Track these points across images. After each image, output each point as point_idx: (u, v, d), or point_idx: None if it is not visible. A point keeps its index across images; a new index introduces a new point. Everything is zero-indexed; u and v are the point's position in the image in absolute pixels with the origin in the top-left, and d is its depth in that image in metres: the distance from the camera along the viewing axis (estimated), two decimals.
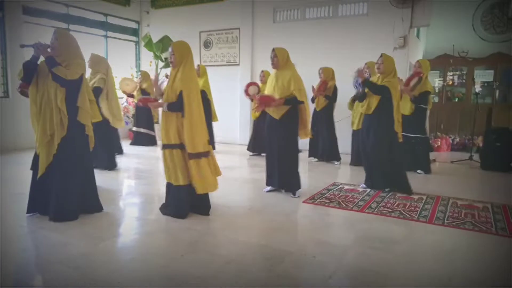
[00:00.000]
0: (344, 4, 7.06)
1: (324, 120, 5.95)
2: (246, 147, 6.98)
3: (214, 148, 6.68)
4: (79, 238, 2.75)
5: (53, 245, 2.63)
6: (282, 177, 4.00)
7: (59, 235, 2.81)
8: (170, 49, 3.20)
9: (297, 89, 3.79)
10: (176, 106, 3.13)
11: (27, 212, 3.15)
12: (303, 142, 6.48)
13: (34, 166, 3.10)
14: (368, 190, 4.27)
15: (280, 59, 3.88)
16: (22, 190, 3.86)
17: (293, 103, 3.84)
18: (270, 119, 4.00)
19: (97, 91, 4.76)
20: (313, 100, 6.00)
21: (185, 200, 3.23)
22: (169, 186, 3.29)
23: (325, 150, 6.03)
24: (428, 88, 5.19)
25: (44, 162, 2.98)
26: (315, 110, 6.05)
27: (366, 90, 4.15)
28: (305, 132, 4.06)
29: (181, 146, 3.17)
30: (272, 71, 4.08)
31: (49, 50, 2.95)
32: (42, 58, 2.97)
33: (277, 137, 3.93)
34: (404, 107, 5.21)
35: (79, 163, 3.12)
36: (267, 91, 4.01)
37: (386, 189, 4.20)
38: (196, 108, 3.18)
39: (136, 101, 7.46)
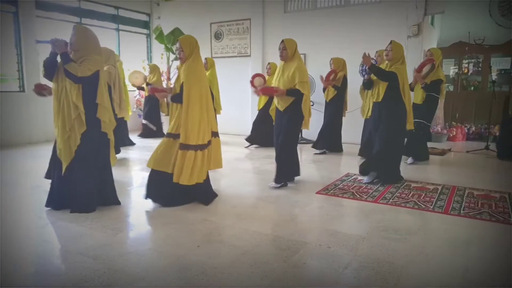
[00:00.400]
0: None
1: (333, 111, 5.92)
2: None
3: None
4: (97, 229, 2.81)
5: (72, 236, 2.69)
6: (284, 169, 4.01)
7: (78, 226, 2.87)
8: (177, 45, 3.26)
9: (300, 82, 3.76)
10: (178, 97, 3.22)
11: (47, 206, 3.22)
12: (311, 134, 6.53)
13: (53, 160, 3.15)
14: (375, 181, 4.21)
15: (289, 51, 3.86)
16: (38, 183, 3.96)
17: (295, 95, 3.82)
18: (277, 112, 4.03)
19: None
20: (324, 90, 5.97)
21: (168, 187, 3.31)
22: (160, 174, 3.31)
23: (329, 141, 6.02)
24: (440, 77, 5.10)
25: (67, 157, 3.03)
26: (325, 101, 6.02)
27: (374, 77, 4.09)
28: (306, 123, 4.02)
29: (176, 136, 3.27)
30: (279, 63, 4.06)
31: (68, 45, 2.98)
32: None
33: (281, 128, 3.95)
34: (416, 96, 5.16)
35: (97, 158, 3.16)
36: (274, 82, 4.00)
37: (372, 173, 4.15)
38: (196, 101, 3.22)
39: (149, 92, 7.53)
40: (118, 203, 3.36)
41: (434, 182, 4.24)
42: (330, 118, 5.97)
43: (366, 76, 4.23)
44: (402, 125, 4.11)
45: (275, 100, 4.02)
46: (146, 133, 7.69)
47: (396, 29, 6.44)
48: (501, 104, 6.57)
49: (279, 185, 3.99)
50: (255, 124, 6.69)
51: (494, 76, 7.65)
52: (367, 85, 4.26)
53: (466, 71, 8.50)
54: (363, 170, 4.28)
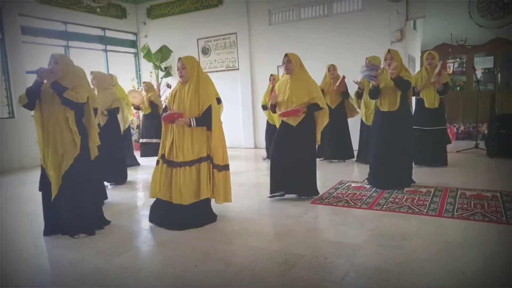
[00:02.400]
0: (338, 1, 7.10)
1: (337, 118, 5.77)
2: (251, 150, 7.01)
3: None
4: (93, 255, 2.79)
5: (69, 263, 2.67)
6: (298, 183, 3.91)
7: (74, 252, 2.85)
8: (179, 64, 3.20)
9: (319, 97, 3.81)
10: (205, 120, 3.16)
11: (45, 235, 3.16)
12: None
13: (43, 187, 3.14)
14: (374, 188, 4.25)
15: (294, 64, 3.84)
16: (31, 209, 3.93)
17: (314, 110, 3.85)
18: (285, 126, 3.91)
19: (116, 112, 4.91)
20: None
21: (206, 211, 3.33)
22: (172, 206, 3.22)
23: (339, 148, 5.91)
24: (448, 79, 5.21)
25: (56, 183, 3.03)
26: (329, 108, 6.02)
27: (381, 85, 4.09)
28: (316, 138, 4.03)
29: (207, 159, 3.23)
30: (283, 75, 4.07)
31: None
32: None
33: (294, 143, 3.84)
34: (431, 101, 5.12)
35: (90, 180, 3.19)
36: (283, 97, 3.88)
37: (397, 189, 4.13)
38: (220, 120, 3.32)
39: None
40: (108, 222, 3.36)
41: (427, 184, 4.29)
42: (341, 126, 5.85)
43: (376, 82, 4.12)
44: (412, 131, 4.32)
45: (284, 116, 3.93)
46: (146, 152, 7.50)
47: (379, 36, 6.57)
48: (488, 103, 6.70)
49: (316, 196, 3.96)
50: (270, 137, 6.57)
51: (479, 75, 7.81)
52: (374, 94, 4.20)
53: (451, 71, 8.66)
54: (385, 184, 4.18)
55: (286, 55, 3.87)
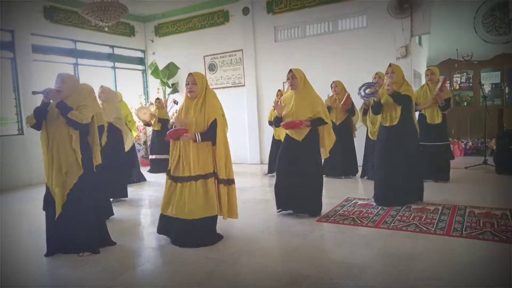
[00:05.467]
0: (343, 18, 7.16)
1: (344, 133, 5.79)
2: (257, 166, 6.99)
3: None
4: (98, 274, 2.78)
5: (72, 283, 2.66)
6: (303, 201, 3.88)
7: (78, 271, 2.83)
8: (190, 79, 3.23)
9: (323, 111, 3.83)
10: (210, 135, 3.18)
11: (47, 255, 3.12)
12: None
13: (47, 206, 3.15)
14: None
15: (298, 80, 3.87)
16: (37, 227, 3.93)
17: (319, 125, 3.87)
18: (289, 141, 3.93)
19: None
20: None
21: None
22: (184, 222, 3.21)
23: (344, 164, 5.89)
24: (450, 94, 5.23)
25: (60, 201, 3.04)
26: (333, 124, 6.02)
27: (383, 101, 4.11)
28: (324, 152, 4.05)
29: (213, 175, 3.23)
30: (287, 90, 4.09)
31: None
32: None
33: (299, 159, 3.84)
34: (433, 116, 5.15)
35: (95, 198, 3.19)
36: (288, 112, 3.90)
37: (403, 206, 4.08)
38: (225, 134, 3.33)
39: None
40: (113, 243, 3.31)
41: (435, 202, 4.22)
42: (347, 143, 5.86)
43: (366, 99, 4.20)
44: (418, 146, 4.24)
45: (289, 131, 3.94)
46: (155, 168, 7.50)
47: (384, 52, 6.59)
48: (495, 118, 6.65)
49: (319, 216, 3.89)
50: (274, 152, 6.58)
51: (486, 90, 7.77)
52: (377, 109, 4.21)
53: (457, 87, 8.64)
54: (388, 201, 4.13)
55: (290, 70, 3.91)
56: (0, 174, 6.39)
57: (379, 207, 4.11)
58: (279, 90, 6.58)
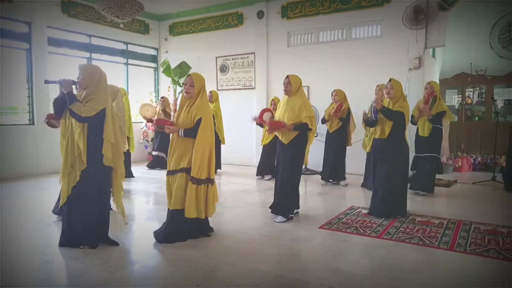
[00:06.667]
0: (357, 26, 7.13)
1: (335, 141, 6.00)
2: None
3: (220, 167, 7.13)
4: (97, 267, 2.79)
5: (74, 274, 2.69)
6: (278, 201, 4.06)
7: (78, 263, 2.86)
8: (188, 80, 3.29)
9: (308, 117, 3.86)
10: (192, 132, 3.25)
11: (60, 245, 3.15)
12: (316, 164, 6.57)
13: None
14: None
15: (293, 87, 3.97)
16: (43, 217, 3.98)
17: (302, 130, 3.91)
18: (279, 144, 4.09)
19: None
20: (323, 122, 6.05)
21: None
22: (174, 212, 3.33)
23: (332, 170, 6.08)
24: (444, 108, 5.17)
25: (65, 192, 3.06)
26: (327, 132, 6.07)
27: (379, 116, 4.15)
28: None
29: (183, 170, 3.29)
30: (282, 96, 4.16)
31: (76, 84, 3.07)
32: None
33: (284, 161, 4.01)
34: (423, 129, 5.19)
35: (98, 195, 3.15)
36: (277, 116, 4.08)
37: (384, 217, 4.07)
38: (209, 135, 3.31)
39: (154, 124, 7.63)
40: (116, 244, 3.25)
41: (440, 216, 4.18)
42: (337, 149, 5.99)
43: (376, 116, 4.25)
44: (405, 162, 4.20)
45: (278, 134, 4.06)
46: (154, 164, 7.72)
47: (397, 62, 6.55)
48: (506, 135, 6.55)
49: (285, 219, 3.97)
50: (264, 157, 6.68)
51: (499, 106, 7.67)
52: (371, 123, 4.32)
53: (469, 101, 8.54)
54: (376, 212, 4.16)
55: (287, 76, 4.00)
56: (11, 163, 6.49)
57: (382, 218, 4.07)
58: (272, 99, 6.64)
